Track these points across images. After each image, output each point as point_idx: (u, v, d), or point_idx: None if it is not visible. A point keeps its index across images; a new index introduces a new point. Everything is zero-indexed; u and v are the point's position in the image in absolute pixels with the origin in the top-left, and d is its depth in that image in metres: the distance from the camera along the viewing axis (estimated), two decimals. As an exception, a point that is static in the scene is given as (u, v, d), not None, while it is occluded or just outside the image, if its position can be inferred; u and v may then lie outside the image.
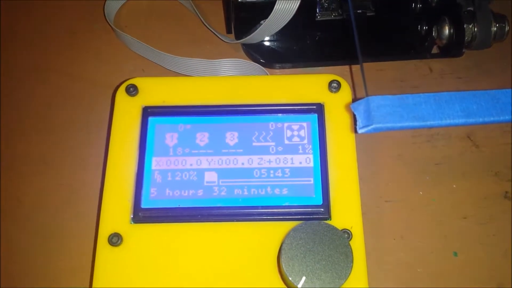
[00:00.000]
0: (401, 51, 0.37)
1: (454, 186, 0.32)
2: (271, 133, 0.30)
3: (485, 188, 0.32)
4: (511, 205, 0.31)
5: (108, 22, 0.38)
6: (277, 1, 0.32)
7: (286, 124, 0.30)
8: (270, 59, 0.37)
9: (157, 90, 0.31)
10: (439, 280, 0.30)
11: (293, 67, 0.37)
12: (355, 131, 0.25)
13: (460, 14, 0.32)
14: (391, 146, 0.33)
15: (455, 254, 0.30)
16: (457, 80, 0.36)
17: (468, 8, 0.32)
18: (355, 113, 0.24)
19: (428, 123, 0.24)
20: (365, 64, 0.37)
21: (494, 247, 0.30)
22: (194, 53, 0.37)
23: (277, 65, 0.37)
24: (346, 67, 0.37)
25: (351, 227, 0.27)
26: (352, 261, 0.25)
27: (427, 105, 0.24)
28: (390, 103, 0.24)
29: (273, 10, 0.33)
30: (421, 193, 0.32)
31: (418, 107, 0.24)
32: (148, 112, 0.31)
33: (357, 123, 0.24)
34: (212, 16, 0.38)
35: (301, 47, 0.38)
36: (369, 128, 0.24)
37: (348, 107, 0.30)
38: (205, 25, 0.38)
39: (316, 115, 0.30)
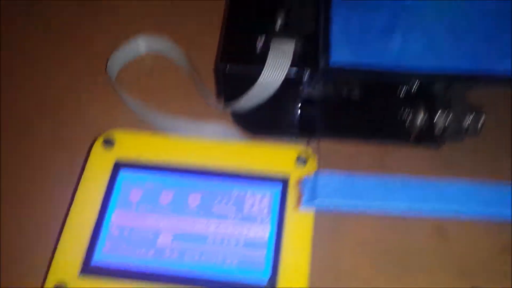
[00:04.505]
0: (382, 134, 0.36)
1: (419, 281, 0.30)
2: (233, 200, 0.30)
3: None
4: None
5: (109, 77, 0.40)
6: (262, 74, 0.33)
7: (249, 193, 0.30)
8: (250, 127, 0.37)
9: (133, 145, 0.32)
10: None
11: (269, 137, 0.37)
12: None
13: (434, 100, 0.32)
14: (354, 229, 0.32)
15: None
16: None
17: (445, 96, 0.32)
18: (302, 188, 0.24)
19: (373, 203, 0.23)
20: (347, 145, 0.37)
21: None
22: (184, 107, 0.38)
23: (254, 134, 0.37)
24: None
25: (296, 309, 0.26)
26: None
27: (376, 187, 0.24)
28: (338, 180, 0.24)
29: (256, 83, 0.34)
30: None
31: (366, 188, 0.24)
32: (119, 166, 0.31)
33: (302, 198, 0.24)
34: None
35: (283, 119, 0.38)
36: (311, 204, 0.23)
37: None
38: (196, 88, 0.39)
39: (280, 187, 0.30)
